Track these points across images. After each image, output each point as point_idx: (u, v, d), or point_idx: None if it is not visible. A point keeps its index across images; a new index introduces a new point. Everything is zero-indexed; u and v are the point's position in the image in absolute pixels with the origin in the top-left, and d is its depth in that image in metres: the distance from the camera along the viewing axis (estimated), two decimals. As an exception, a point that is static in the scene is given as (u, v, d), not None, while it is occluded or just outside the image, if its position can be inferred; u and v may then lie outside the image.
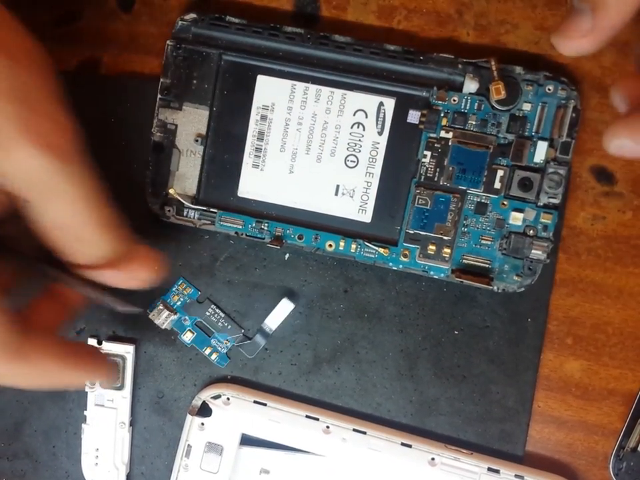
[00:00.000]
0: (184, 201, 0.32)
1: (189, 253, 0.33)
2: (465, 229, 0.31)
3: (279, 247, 0.31)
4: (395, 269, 0.32)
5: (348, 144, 0.31)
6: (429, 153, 0.31)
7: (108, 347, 0.34)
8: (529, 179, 0.30)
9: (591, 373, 0.32)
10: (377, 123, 0.31)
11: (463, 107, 0.30)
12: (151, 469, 0.35)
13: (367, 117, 0.31)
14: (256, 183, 0.32)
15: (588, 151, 0.32)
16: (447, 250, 0.31)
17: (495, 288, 0.31)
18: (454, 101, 0.30)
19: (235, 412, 0.33)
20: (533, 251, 0.31)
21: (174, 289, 0.34)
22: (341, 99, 0.31)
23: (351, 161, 0.31)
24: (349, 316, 0.33)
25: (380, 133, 0.31)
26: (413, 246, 0.31)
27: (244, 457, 0.33)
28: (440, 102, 0.30)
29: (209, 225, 0.32)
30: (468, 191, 0.31)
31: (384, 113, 0.31)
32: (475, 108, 0.30)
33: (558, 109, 0.30)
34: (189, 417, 0.33)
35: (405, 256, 0.31)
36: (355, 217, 0.32)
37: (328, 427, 0.33)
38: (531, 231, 0.31)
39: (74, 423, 0.35)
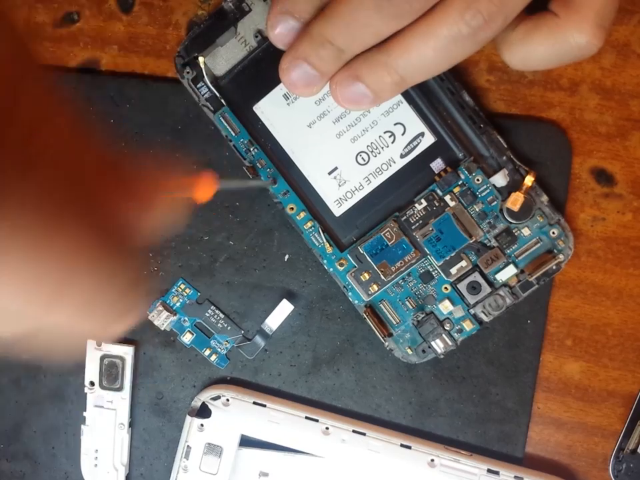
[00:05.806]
0: (205, 74, 0.31)
1: (188, 253, 0.33)
2: (402, 283, 0.31)
3: (250, 176, 0.31)
4: (325, 267, 0.32)
5: (371, 143, 0.31)
6: (424, 204, 0.31)
7: (107, 348, 0.34)
8: (479, 286, 0.31)
9: (591, 375, 0.32)
10: (406, 146, 0.31)
11: (479, 190, 0.31)
12: (150, 470, 0.35)
13: (402, 134, 0.31)
14: (275, 110, 0.31)
15: (588, 153, 0.32)
16: (375, 287, 0.31)
17: (387, 344, 0.32)
18: (477, 180, 0.30)
19: (234, 413, 0.33)
20: (435, 340, 0.31)
21: (173, 290, 0.34)
22: (395, 102, 0.30)
23: (362, 158, 0.31)
24: (348, 317, 0.33)
25: (402, 156, 0.31)
26: (353, 262, 0.31)
27: (243, 458, 0.33)
28: (466, 172, 0.30)
29: (210, 111, 0.31)
30: (428, 256, 0.31)
31: (418, 142, 0.31)
32: (487, 200, 0.31)
33: (546, 253, 0.31)
34: (188, 418, 0.33)
35: (341, 265, 0.32)
36: (329, 204, 0.31)
37: (327, 428, 0.33)
38: (447, 325, 0.31)
39: (73, 424, 0.35)
